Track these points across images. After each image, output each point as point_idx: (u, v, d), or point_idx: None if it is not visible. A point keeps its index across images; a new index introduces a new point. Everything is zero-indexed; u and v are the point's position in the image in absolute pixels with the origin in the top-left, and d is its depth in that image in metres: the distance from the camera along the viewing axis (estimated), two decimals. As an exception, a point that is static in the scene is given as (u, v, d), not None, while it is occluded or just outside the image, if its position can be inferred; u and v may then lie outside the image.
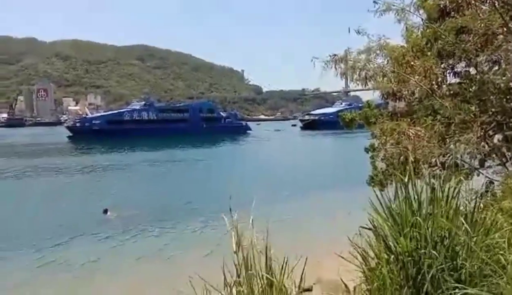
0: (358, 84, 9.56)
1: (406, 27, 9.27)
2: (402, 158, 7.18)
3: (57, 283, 12.44)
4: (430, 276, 2.55)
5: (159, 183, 32.77)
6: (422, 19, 9.22)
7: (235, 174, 35.84)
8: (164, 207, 22.12)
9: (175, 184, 31.78)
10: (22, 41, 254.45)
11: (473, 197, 3.23)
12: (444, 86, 8.95)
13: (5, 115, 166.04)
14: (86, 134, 78.77)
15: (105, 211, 20.18)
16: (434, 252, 2.61)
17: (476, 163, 8.62)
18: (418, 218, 2.74)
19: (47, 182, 33.63)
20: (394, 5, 9.08)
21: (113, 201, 23.07)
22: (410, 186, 2.98)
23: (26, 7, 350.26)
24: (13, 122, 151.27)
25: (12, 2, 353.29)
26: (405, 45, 9.02)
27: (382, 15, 9.39)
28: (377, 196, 3.07)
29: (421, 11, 9.15)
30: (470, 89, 8.20)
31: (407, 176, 3.02)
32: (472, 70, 8.61)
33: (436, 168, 6.80)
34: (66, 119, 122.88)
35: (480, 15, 7.71)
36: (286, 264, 3.62)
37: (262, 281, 3.47)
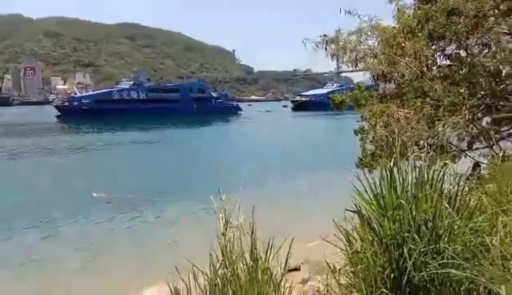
0: (348, 66, 9.54)
1: (398, 8, 9.20)
2: (390, 140, 7.20)
3: (51, 265, 12.42)
4: (412, 259, 2.57)
5: (148, 164, 32.63)
6: (413, 0, 9.16)
7: (225, 155, 35.80)
8: (153, 188, 22.07)
9: (164, 164, 31.67)
10: (7, 17, 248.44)
11: (458, 180, 3.22)
12: (434, 68, 8.93)
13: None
14: (74, 114, 77.84)
15: (92, 194, 20.04)
16: (417, 235, 2.63)
17: (464, 145, 8.68)
18: (401, 200, 2.75)
19: (36, 162, 33.33)
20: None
21: (101, 182, 22.97)
22: (395, 168, 2.97)
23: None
24: (0, 101, 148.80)
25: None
26: (396, 26, 8.96)
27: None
28: (359, 178, 3.06)
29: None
30: (460, 72, 8.19)
31: (392, 159, 3.01)
32: (463, 53, 8.59)
33: (424, 150, 6.83)
34: (54, 99, 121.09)
35: (472, -4, 7.66)
36: (272, 245, 3.63)
37: (246, 263, 3.48)
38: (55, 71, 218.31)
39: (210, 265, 3.70)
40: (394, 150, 3.41)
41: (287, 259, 3.57)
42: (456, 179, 3.22)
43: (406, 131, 7.09)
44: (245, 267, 3.59)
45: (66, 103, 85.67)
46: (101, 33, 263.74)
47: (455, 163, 8.53)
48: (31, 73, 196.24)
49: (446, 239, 2.64)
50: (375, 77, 9.15)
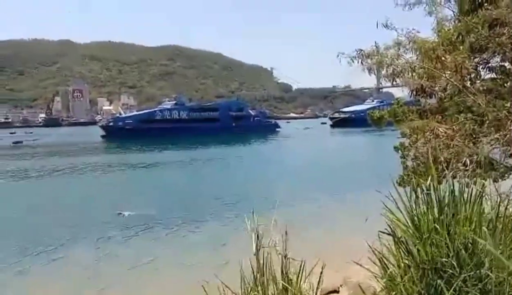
0: (386, 81, 9.30)
1: (437, 20, 8.93)
2: (431, 157, 6.89)
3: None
4: (452, 286, 2.38)
5: (187, 183, 33.07)
6: (453, 12, 8.87)
7: (262, 173, 35.76)
8: (190, 206, 22.30)
9: (202, 183, 31.99)
10: (57, 43, 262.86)
11: (504, 200, 3.00)
12: (477, 82, 8.55)
13: (43, 115, 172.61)
14: (119, 134, 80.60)
15: (120, 214, 20.33)
16: (456, 260, 2.43)
17: (512, 162, 8.20)
18: (439, 223, 2.57)
19: (77, 181, 34.68)
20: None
21: (138, 200, 23.47)
22: (432, 188, 2.79)
23: (60, 9, 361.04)
24: (50, 122, 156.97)
25: (46, 5, 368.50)
26: (436, 39, 8.68)
27: (411, 8, 9.09)
28: (394, 199, 2.91)
29: (452, 3, 8.80)
30: (505, 85, 7.80)
31: (429, 178, 2.84)
32: (508, 65, 8.18)
33: (468, 167, 6.49)
34: (100, 119, 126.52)
35: (516, 6, 7.31)
36: (303, 267, 3.52)
37: (277, 286, 3.38)
38: (101, 93, 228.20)
39: (241, 286, 3.64)
40: (433, 168, 3.23)
41: (319, 283, 3.45)
42: (503, 199, 3.00)
43: (448, 148, 6.78)
44: (276, 289, 3.50)
45: (111, 124, 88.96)
46: (144, 56, 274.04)
47: (504, 180, 8.06)
48: (79, 95, 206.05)
49: (488, 265, 2.44)
50: (415, 92, 8.86)
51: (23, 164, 44.92)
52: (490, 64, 8.37)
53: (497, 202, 2.77)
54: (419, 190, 2.86)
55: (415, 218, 2.75)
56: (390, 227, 2.89)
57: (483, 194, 2.74)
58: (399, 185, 9.75)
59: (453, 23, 8.68)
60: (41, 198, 25.95)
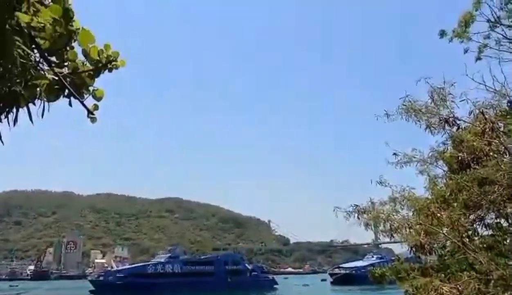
0: (384, 236, 9.25)
1: (429, 178, 9.28)
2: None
3: None
4: None
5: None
6: (443, 171, 9.27)
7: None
8: None
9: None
10: (59, 195, 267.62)
11: None
12: (476, 238, 8.49)
13: (31, 267, 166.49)
14: (109, 288, 76.52)
15: None
16: None
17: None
18: None
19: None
20: (414, 157, 9.28)
21: None
22: None
23: (63, 162, 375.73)
24: (38, 275, 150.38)
25: (49, 158, 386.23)
26: (429, 196, 8.90)
27: (402, 167, 9.53)
28: None
29: (441, 163, 9.25)
30: (505, 242, 7.71)
31: None
32: (504, 222, 8.23)
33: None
34: (91, 272, 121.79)
35: (502, 166, 7.66)
36: None
37: None
38: (96, 245, 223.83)
39: None
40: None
41: None
42: None
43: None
44: None
45: (101, 278, 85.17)
46: (144, 208, 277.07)
47: None
48: (73, 247, 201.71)
49: None
50: (414, 249, 8.73)
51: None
52: (486, 221, 8.42)
53: None
54: None
55: None
56: None
57: None
58: None
59: (444, 180, 9.00)
60: None
